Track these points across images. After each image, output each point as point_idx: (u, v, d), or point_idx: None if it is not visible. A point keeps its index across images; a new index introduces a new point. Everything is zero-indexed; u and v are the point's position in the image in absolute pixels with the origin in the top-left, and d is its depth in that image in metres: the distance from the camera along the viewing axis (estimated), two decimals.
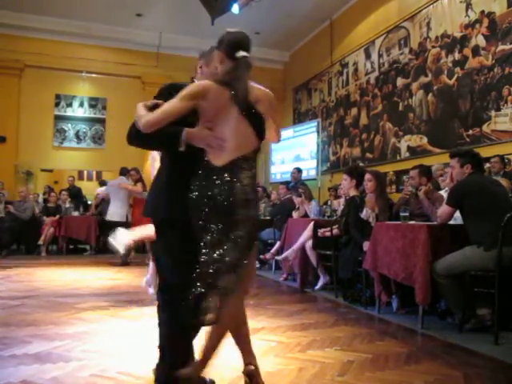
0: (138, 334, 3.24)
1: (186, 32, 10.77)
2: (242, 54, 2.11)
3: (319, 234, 5.10)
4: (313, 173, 9.95)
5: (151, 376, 2.34)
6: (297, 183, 8.18)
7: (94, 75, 11.23)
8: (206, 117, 1.99)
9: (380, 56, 8.59)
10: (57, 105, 11.21)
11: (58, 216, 9.06)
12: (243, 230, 1.94)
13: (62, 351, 2.83)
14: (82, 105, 11.39)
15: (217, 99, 1.97)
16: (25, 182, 10.61)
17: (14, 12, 10.05)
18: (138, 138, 2.03)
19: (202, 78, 2.25)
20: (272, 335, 3.23)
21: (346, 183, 4.93)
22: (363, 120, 9.07)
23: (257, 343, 2.99)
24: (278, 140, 2.42)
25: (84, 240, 9.25)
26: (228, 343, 2.99)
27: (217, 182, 1.94)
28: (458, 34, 6.72)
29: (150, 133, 1.93)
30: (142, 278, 4.82)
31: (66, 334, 3.19)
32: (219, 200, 1.92)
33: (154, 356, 2.67)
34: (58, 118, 11.18)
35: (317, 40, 10.94)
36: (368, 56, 8.98)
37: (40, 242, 8.77)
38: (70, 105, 11.32)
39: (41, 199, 10.06)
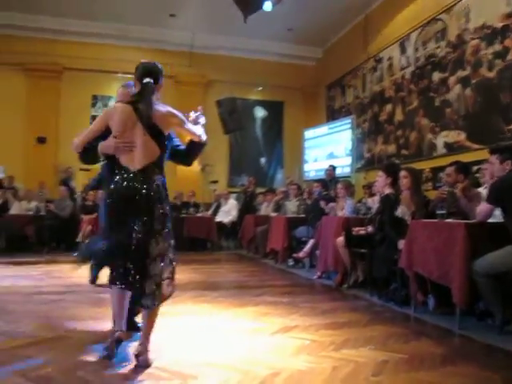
0: (175, 330, 3.29)
1: (218, 31, 10.84)
2: (147, 80, 2.71)
3: (353, 232, 5.04)
4: (347, 170, 9.85)
5: (187, 372, 2.39)
6: (331, 181, 8.13)
7: (129, 76, 11.36)
8: (114, 130, 2.67)
9: (416, 50, 8.40)
10: (93, 105, 11.48)
11: (95, 214, 9.26)
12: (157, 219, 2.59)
13: (99, 344, 2.90)
14: None
15: (121, 115, 2.66)
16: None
17: (52, 17, 10.32)
18: (80, 158, 2.99)
19: (119, 99, 3.24)
20: (305, 333, 3.22)
21: (381, 180, 4.86)
22: (398, 116, 8.90)
23: (289, 341, 3.01)
24: (200, 139, 2.98)
25: None
26: (261, 341, 3.01)
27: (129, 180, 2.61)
28: (498, 25, 6.50)
29: (83, 152, 2.88)
30: None
31: (101, 329, 3.26)
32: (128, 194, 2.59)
33: (190, 353, 2.72)
34: (95, 119, 11.42)
35: (351, 35, 10.80)
36: (403, 50, 8.79)
37: (78, 239, 9.01)
38: (106, 105, 11.55)
39: (79, 198, 10.32)
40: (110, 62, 11.04)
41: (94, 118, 11.35)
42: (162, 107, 2.71)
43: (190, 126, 2.87)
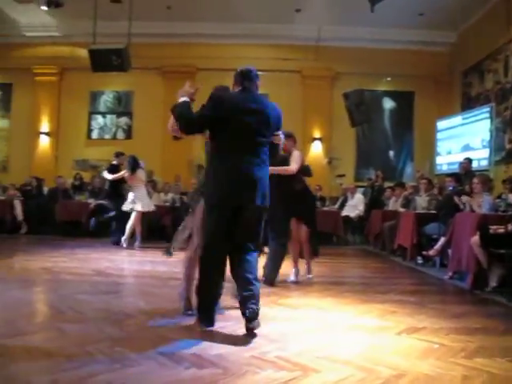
0: (300, 322, 3.35)
1: (345, 22, 10.64)
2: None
3: (491, 230, 4.64)
4: (484, 163, 9.06)
5: (309, 365, 2.42)
6: (466, 175, 7.56)
7: (258, 73, 11.78)
8: None
9: None
10: None
11: None
12: None
13: (228, 331, 3.07)
14: None
15: None
16: (197, 174, 11.64)
17: (185, 22, 11.04)
18: None
19: None
20: (433, 336, 3.05)
21: None
22: None
23: (416, 343, 2.89)
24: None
25: None
26: (385, 340, 2.93)
27: None
28: None
29: None
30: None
31: (230, 315, 3.44)
32: None
33: (314, 347, 2.75)
34: None
35: (490, 15, 9.86)
36: None
37: None
38: None
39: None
40: (238, 60, 11.39)
41: None
42: None
43: None
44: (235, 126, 3.07)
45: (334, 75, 11.57)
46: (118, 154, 8.66)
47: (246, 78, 3.25)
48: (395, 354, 2.64)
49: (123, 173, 8.13)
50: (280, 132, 3.31)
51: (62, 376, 2.21)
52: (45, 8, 9.78)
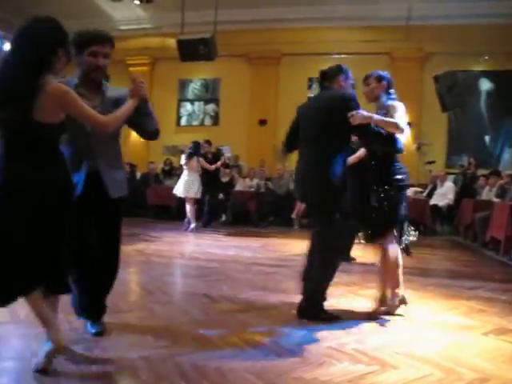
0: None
1: None
2: None
3: None
4: None
5: (387, 360, 2.41)
6: None
7: (343, 56, 11.53)
8: None
9: None
10: (309, 87, 11.95)
11: None
12: None
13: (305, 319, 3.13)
14: None
15: None
16: (281, 160, 11.73)
17: (269, 8, 11.03)
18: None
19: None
20: None
21: None
22: None
23: (504, 346, 2.75)
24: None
25: None
26: (470, 341, 2.81)
27: None
28: None
29: None
30: None
31: None
32: None
33: (392, 341, 2.72)
34: None
35: None
36: None
37: (293, 215, 9.64)
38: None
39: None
40: (324, 43, 11.30)
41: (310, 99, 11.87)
42: None
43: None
44: None
45: (424, 56, 11.01)
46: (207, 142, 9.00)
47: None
48: (479, 356, 2.54)
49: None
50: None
51: (152, 353, 2.40)
52: (137, 2, 10.30)
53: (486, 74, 11.01)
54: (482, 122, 11.09)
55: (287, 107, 11.64)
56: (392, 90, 3.38)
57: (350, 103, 3.10)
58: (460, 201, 8.86)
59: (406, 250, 3.45)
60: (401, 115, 3.15)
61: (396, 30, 10.88)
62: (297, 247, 6.82)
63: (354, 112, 3.00)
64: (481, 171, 9.66)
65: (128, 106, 2.37)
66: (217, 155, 9.02)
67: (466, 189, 9.24)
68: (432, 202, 9.29)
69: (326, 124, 3.19)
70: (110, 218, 2.63)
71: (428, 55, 10.96)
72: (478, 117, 11.09)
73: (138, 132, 2.73)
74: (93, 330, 2.62)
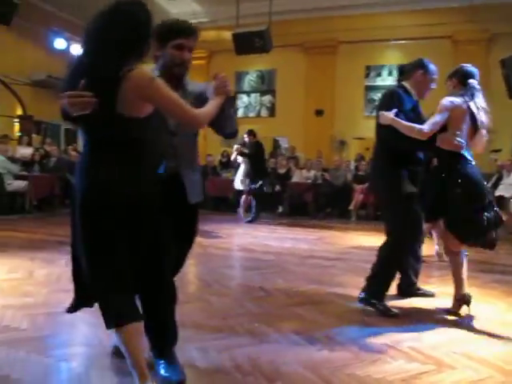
0: (437, 313, 3.25)
1: None
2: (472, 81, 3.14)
3: None
4: None
5: (444, 360, 2.36)
6: None
7: (402, 42, 11.17)
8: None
9: None
10: (367, 76, 11.70)
11: (367, 183, 9.59)
12: None
13: (360, 315, 3.13)
14: (390, 73, 11.51)
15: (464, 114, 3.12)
16: (339, 150, 11.60)
17: None
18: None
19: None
20: None
21: None
22: None
23: None
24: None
25: None
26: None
27: None
28: None
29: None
30: None
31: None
32: None
33: (450, 341, 2.65)
34: (368, 89, 11.66)
35: None
36: None
37: (350, 207, 9.52)
38: (379, 74, 11.64)
39: (352, 167, 10.81)
40: (381, 30, 10.99)
41: (367, 88, 11.62)
42: None
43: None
44: None
45: (490, 37, 10.44)
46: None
47: None
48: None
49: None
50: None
51: (208, 345, 2.49)
52: None
53: None
54: None
55: (344, 97, 11.60)
56: (471, 81, 3.17)
57: (385, 100, 3.15)
58: None
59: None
60: (434, 117, 3.07)
61: (458, 10, 10.40)
62: (354, 240, 6.78)
63: (381, 112, 3.08)
64: None
65: (215, 102, 2.08)
66: (255, 146, 8.66)
67: None
68: (497, 192, 8.83)
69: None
70: (186, 227, 2.37)
71: (494, 36, 10.38)
72: None
73: (216, 131, 2.39)
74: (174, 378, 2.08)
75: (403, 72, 3.39)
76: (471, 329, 2.92)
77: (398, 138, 3.06)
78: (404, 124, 3.03)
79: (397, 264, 3.30)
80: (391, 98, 3.15)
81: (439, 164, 3.30)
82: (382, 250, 3.26)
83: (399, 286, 3.60)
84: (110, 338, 2.26)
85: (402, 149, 3.18)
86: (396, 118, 3.04)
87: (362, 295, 3.24)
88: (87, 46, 1.88)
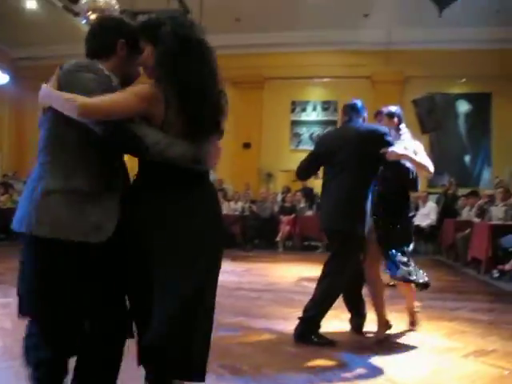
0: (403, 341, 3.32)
1: (415, 24, 10.28)
2: None
3: None
4: None
5: None
6: None
7: (325, 80, 11.76)
8: None
9: None
10: (292, 111, 12.12)
11: (293, 215, 9.81)
12: None
13: (287, 345, 3.11)
14: (315, 109, 12.03)
15: None
16: (266, 183, 11.80)
17: (254, 33, 11.19)
18: None
19: None
20: (505, 361, 2.88)
21: None
22: None
23: (483, 368, 2.76)
24: None
25: (316, 238, 9.77)
26: (450, 363, 2.82)
27: None
28: None
29: None
30: None
31: (291, 330, 3.47)
32: None
33: (373, 366, 2.72)
34: (294, 123, 12.07)
35: None
36: None
37: (277, 238, 9.65)
38: (304, 110, 12.10)
39: (279, 198, 11.01)
40: (306, 68, 11.51)
41: (292, 122, 12.01)
42: None
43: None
44: None
45: (404, 79, 11.25)
46: None
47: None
48: (459, 380, 2.55)
49: None
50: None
51: None
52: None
53: (463, 96, 11.31)
54: (462, 142, 11.36)
55: (271, 130, 11.89)
56: (402, 125, 3.45)
57: (389, 139, 3.22)
58: (442, 220, 8.96)
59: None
60: (425, 156, 3.32)
61: (376, 54, 11.15)
62: (280, 271, 6.85)
63: (390, 149, 3.12)
64: (462, 191, 9.81)
65: None
66: None
67: (448, 209, 9.36)
68: (415, 222, 9.35)
69: (362, 155, 3.22)
70: None
71: (407, 78, 11.20)
72: (457, 137, 11.35)
73: None
74: None
75: (354, 110, 3.45)
76: (392, 352, 3.02)
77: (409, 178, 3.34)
78: (420, 160, 3.30)
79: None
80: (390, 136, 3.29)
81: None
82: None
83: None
84: None
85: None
86: (412, 154, 3.25)
87: None
88: None
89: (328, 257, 3.37)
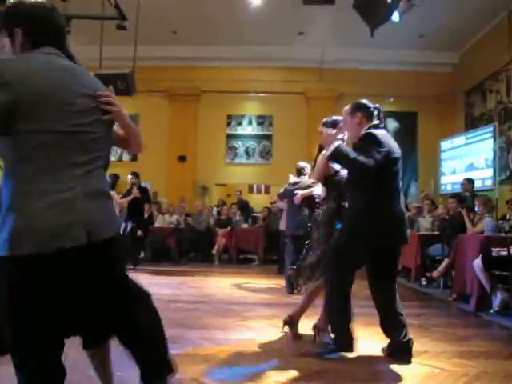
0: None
1: (347, 44, 10.72)
2: None
3: (493, 252, 4.60)
4: (489, 183, 9.03)
5: None
6: (470, 194, 7.54)
7: (261, 95, 11.91)
8: None
9: None
10: (228, 124, 12.15)
11: (229, 228, 9.78)
12: None
13: (226, 355, 3.05)
14: (250, 123, 12.13)
15: None
16: (201, 196, 11.70)
17: (191, 46, 11.16)
18: None
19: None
20: (435, 361, 3.01)
21: None
22: None
23: (416, 368, 2.85)
24: None
25: (252, 250, 9.79)
26: (385, 366, 2.88)
27: None
28: None
29: None
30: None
31: (231, 339, 3.42)
32: None
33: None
34: (230, 137, 12.10)
35: (491, 36, 9.94)
36: None
37: (213, 251, 9.56)
38: (239, 124, 12.17)
39: (215, 212, 10.95)
40: (242, 82, 11.60)
41: (228, 136, 12.04)
42: None
43: None
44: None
45: (337, 96, 11.64)
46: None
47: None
48: (394, 381, 2.61)
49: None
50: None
51: None
52: None
53: (392, 115, 11.85)
54: None
55: (206, 144, 11.84)
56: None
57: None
58: None
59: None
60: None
61: (310, 71, 11.47)
62: (216, 282, 6.77)
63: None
64: None
65: None
66: (145, 189, 8.63)
67: None
68: None
69: None
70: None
71: (340, 95, 11.59)
72: None
73: None
74: None
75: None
76: (321, 362, 3.03)
77: None
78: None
79: None
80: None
81: None
82: None
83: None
84: None
85: None
86: None
87: None
88: None
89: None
